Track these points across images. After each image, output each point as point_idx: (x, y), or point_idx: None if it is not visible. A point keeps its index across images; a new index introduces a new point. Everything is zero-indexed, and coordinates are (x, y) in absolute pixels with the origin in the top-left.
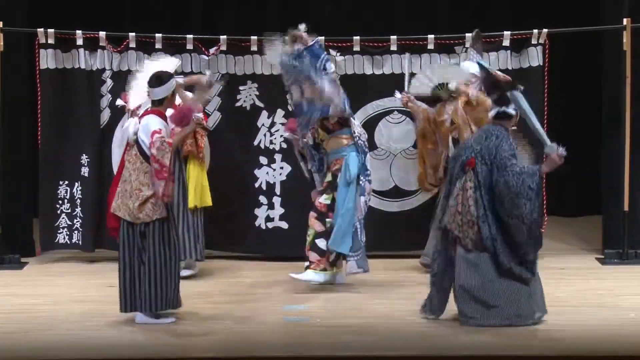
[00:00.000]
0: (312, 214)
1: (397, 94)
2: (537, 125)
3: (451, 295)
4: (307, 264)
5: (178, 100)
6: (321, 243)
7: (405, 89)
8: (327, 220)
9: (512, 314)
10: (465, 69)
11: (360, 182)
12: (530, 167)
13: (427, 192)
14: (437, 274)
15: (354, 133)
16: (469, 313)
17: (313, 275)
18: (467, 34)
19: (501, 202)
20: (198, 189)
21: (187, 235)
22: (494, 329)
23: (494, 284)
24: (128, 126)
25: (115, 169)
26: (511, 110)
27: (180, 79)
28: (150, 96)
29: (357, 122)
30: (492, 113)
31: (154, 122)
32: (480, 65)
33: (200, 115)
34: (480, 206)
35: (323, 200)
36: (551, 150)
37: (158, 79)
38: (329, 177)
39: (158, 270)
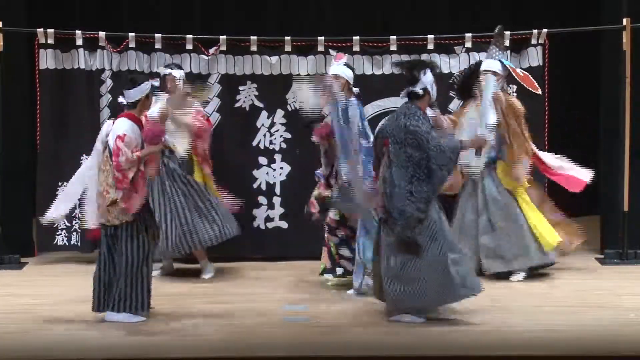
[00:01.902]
0: (326, 228)
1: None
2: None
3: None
4: (341, 270)
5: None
6: (345, 251)
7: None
8: (338, 232)
9: (433, 294)
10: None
11: None
12: (452, 140)
13: None
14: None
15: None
16: (394, 295)
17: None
18: (467, 34)
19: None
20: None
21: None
22: (494, 328)
23: (414, 262)
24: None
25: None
26: (418, 89)
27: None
28: (124, 99)
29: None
30: (402, 93)
31: (121, 126)
32: (502, 63)
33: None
34: (387, 184)
35: (333, 215)
36: (484, 134)
37: (132, 82)
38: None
39: (127, 271)
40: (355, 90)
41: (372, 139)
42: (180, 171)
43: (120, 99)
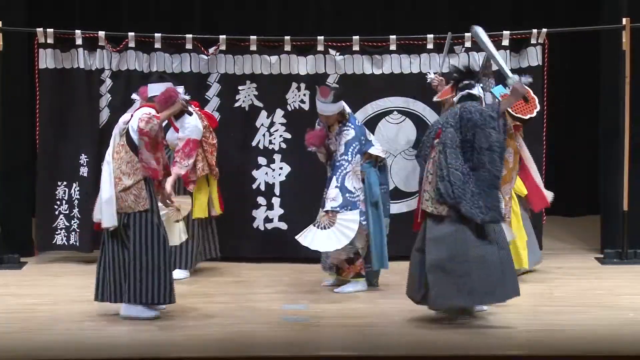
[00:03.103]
0: None
1: (430, 74)
2: (499, 58)
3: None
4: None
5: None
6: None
7: (440, 69)
8: None
9: (480, 291)
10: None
11: (387, 205)
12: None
13: None
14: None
15: (374, 154)
16: (438, 291)
17: (359, 286)
18: (466, 34)
19: (471, 141)
20: (212, 200)
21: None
22: (494, 328)
23: (464, 257)
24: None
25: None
26: (475, 91)
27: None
28: (148, 92)
29: (378, 151)
30: (456, 98)
31: (146, 109)
32: (493, 95)
33: (187, 96)
34: (443, 167)
35: None
36: (514, 81)
37: (160, 77)
38: None
39: (144, 263)
40: (348, 110)
41: (375, 144)
42: None
43: (133, 95)
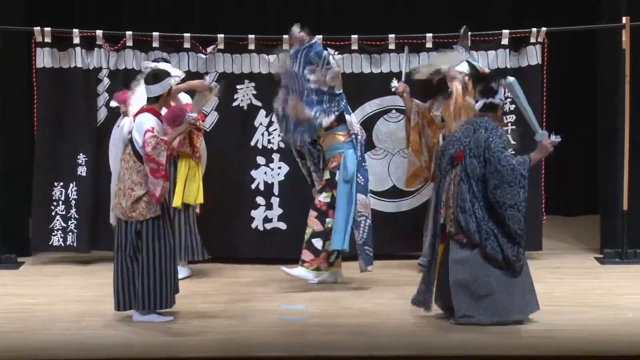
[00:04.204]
0: (312, 213)
1: (394, 82)
2: (530, 112)
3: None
4: (300, 261)
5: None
6: (317, 243)
7: (402, 78)
8: (327, 220)
9: (504, 309)
10: (458, 56)
11: (359, 180)
12: (520, 156)
13: (422, 194)
14: (427, 268)
15: (351, 130)
16: (463, 310)
17: (304, 273)
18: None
19: (495, 193)
20: (193, 188)
21: (184, 236)
22: (492, 328)
23: (487, 279)
24: (123, 125)
25: (112, 168)
26: (497, 100)
27: (178, 82)
28: (146, 93)
29: (354, 120)
30: (478, 105)
31: (147, 121)
32: (469, 63)
33: (195, 115)
34: (466, 199)
35: (322, 198)
36: (542, 137)
37: (154, 77)
38: (327, 175)
39: (152, 269)
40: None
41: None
42: None
43: (112, 103)
